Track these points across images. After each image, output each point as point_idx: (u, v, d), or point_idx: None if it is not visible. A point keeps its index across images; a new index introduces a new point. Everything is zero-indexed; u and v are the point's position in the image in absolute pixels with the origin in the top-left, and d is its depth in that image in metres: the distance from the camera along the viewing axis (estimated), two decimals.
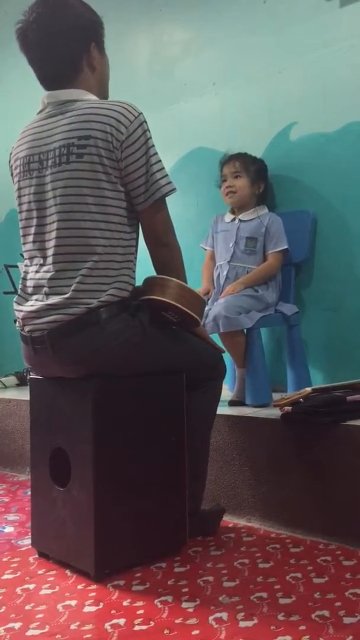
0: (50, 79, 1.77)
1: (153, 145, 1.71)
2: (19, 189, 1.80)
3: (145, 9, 3.19)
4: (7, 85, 3.96)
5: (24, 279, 1.80)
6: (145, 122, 1.70)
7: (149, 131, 1.71)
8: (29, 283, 1.76)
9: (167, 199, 1.75)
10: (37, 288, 1.73)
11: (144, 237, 1.79)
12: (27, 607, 1.53)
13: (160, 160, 1.72)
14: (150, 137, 1.71)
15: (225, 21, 2.88)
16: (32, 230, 1.76)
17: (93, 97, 1.76)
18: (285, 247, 2.51)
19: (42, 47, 1.72)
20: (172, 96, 3.08)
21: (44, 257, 1.73)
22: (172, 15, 3.13)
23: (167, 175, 1.73)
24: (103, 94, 1.84)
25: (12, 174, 1.86)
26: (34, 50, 1.74)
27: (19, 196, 1.81)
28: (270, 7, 2.71)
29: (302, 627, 1.36)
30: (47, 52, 1.73)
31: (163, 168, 1.73)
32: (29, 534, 1.93)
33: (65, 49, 1.73)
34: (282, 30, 2.68)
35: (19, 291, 1.81)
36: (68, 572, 1.74)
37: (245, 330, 2.36)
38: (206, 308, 2.25)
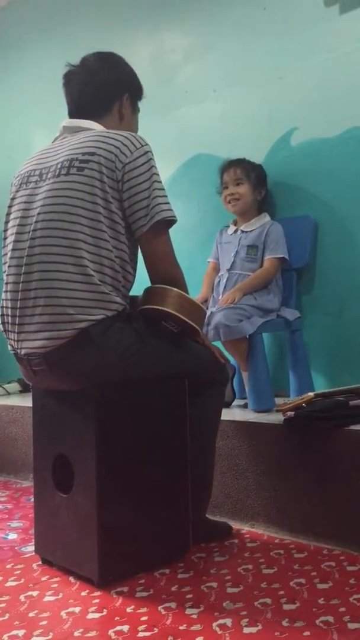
0: (79, 110, 1.83)
1: (158, 175, 1.71)
2: (13, 198, 1.79)
3: (146, 15, 3.20)
4: (6, 89, 3.97)
5: (5, 292, 1.73)
6: (151, 153, 1.71)
7: (154, 161, 1.71)
8: (10, 303, 1.70)
9: (172, 227, 1.74)
10: (24, 309, 1.66)
11: (145, 265, 1.75)
12: (31, 614, 1.53)
13: (164, 189, 1.71)
14: (155, 167, 1.71)
15: (225, 28, 2.89)
16: (13, 237, 1.72)
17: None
18: (282, 255, 2.51)
19: (82, 84, 1.82)
20: (173, 103, 3.09)
21: (29, 273, 1.65)
22: (172, 22, 3.14)
23: (169, 203, 1.71)
24: None
25: (11, 192, 1.84)
26: (74, 85, 1.84)
27: (10, 205, 1.79)
28: (271, 14, 2.72)
29: (307, 633, 1.35)
30: (84, 87, 1.83)
31: (166, 197, 1.71)
32: (33, 540, 1.93)
33: (101, 87, 1.83)
34: (282, 36, 2.69)
35: (3, 309, 1.75)
36: (71, 579, 1.74)
37: (247, 336, 2.36)
38: (207, 314, 2.25)
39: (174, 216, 1.72)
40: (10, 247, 1.73)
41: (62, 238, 1.64)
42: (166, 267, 1.74)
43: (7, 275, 1.73)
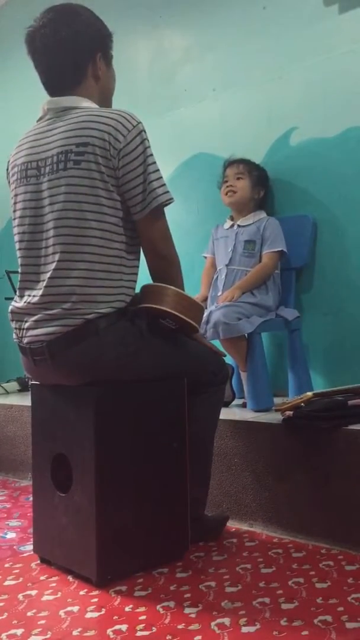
0: (54, 84, 1.79)
1: (151, 155, 1.70)
2: (15, 195, 1.80)
3: (146, 15, 3.20)
4: (7, 89, 3.97)
5: (20, 288, 1.78)
6: (144, 131, 1.70)
7: (148, 140, 1.70)
8: (26, 292, 1.75)
9: (168, 206, 1.75)
10: (33, 297, 1.71)
11: (142, 247, 1.78)
12: (29, 613, 1.53)
13: (158, 170, 1.71)
14: (149, 147, 1.70)
15: (225, 27, 2.89)
16: (26, 237, 1.75)
17: (93, 105, 1.77)
18: (280, 248, 2.51)
19: (48, 52, 1.74)
20: (172, 102, 3.09)
21: (38, 265, 1.72)
22: (172, 22, 3.14)
23: (164, 185, 1.72)
24: (105, 105, 1.84)
25: (9, 182, 1.86)
26: (40, 55, 1.76)
27: (15, 203, 1.80)
28: (270, 13, 2.72)
29: (305, 633, 1.35)
30: (53, 57, 1.75)
31: (161, 177, 1.72)
32: (31, 539, 1.93)
33: (71, 56, 1.75)
34: (281, 36, 2.69)
35: (14, 301, 1.79)
36: (70, 578, 1.74)
37: (246, 335, 2.36)
38: (205, 312, 2.26)
39: (171, 198, 1.73)
40: (24, 245, 1.76)
41: (72, 236, 1.67)
42: (162, 249, 1.76)
43: (22, 273, 1.77)
